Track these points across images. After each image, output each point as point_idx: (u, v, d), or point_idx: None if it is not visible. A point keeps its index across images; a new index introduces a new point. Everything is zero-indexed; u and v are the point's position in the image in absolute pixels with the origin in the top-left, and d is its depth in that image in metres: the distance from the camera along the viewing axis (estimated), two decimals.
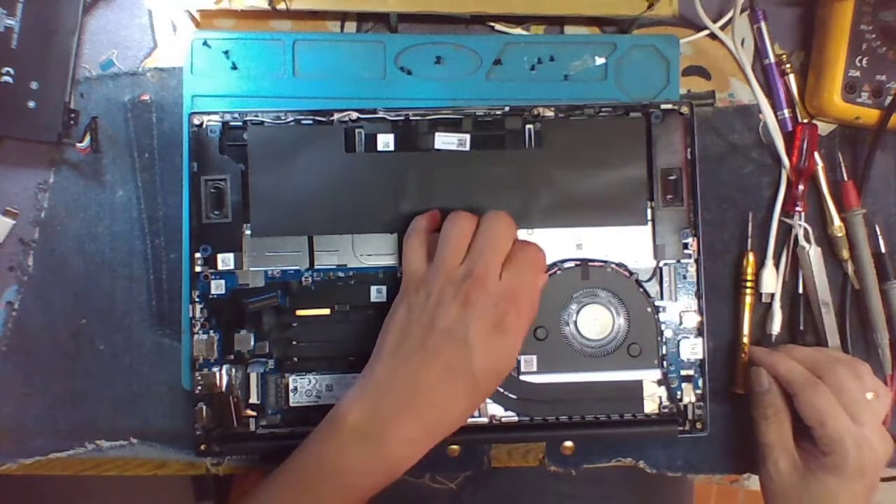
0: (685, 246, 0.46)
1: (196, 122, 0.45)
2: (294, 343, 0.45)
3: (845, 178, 0.49)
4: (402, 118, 0.46)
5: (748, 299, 0.49)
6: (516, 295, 0.39)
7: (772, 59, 0.50)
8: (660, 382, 0.46)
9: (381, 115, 0.45)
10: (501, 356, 0.39)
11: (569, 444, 0.48)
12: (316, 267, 0.45)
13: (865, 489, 0.42)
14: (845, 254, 0.49)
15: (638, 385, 0.46)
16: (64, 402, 0.47)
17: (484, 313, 0.38)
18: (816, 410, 0.42)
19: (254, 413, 0.45)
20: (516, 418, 0.45)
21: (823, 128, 0.50)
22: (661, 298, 0.46)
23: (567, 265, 0.46)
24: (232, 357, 0.45)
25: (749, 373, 0.47)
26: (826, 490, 0.42)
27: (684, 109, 0.46)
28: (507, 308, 0.38)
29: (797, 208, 0.48)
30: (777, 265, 0.49)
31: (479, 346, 0.38)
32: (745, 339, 0.49)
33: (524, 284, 0.39)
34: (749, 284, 0.49)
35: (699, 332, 0.46)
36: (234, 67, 0.47)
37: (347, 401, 0.39)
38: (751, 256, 0.49)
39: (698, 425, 0.46)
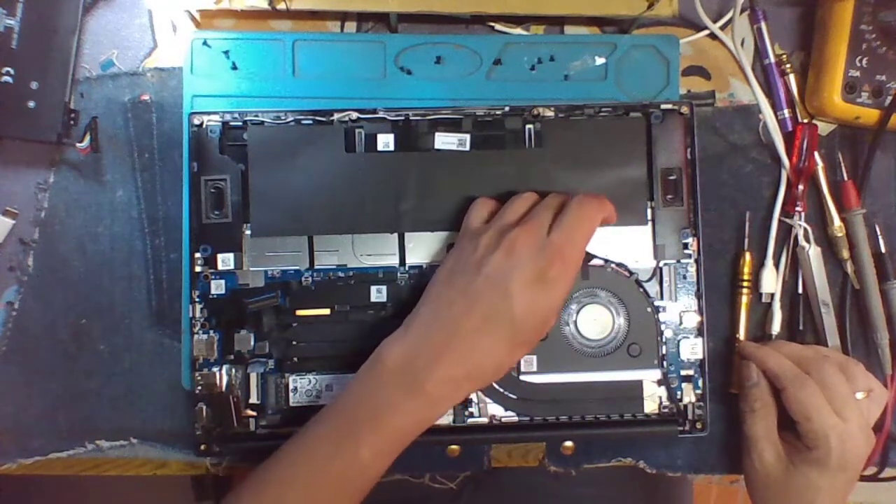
0: (685, 246, 0.46)
1: (196, 122, 0.45)
2: (294, 343, 0.45)
3: (845, 178, 0.49)
4: (402, 118, 0.46)
5: (744, 299, 0.49)
6: (563, 248, 0.39)
7: (772, 59, 0.50)
8: (660, 382, 0.46)
9: (381, 115, 0.45)
10: (541, 307, 0.39)
11: (569, 444, 0.48)
12: (316, 267, 0.45)
13: (846, 482, 0.43)
14: (845, 254, 0.49)
15: (638, 385, 0.46)
16: (64, 402, 0.47)
17: (528, 263, 0.38)
18: (803, 405, 0.42)
19: (254, 413, 0.45)
20: (516, 418, 0.45)
21: (823, 128, 0.50)
22: (661, 298, 0.46)
23: None
24: (232, 357, 0.45)
25: (739, 368, 0.47)
26: (808, 482, 0.43)
27: (684, 109, 0.46)
28: (550, 260, 0.38)
29: (797, 208, 0.48)
30: (777, 265, 0.49)
31: (519, 294, 0.38)
32: (741, 339, 0.49)
33: (572, 239, 0.39)
34: (745, 284, 0.49)
35: (699, 332, 0.46)
36: (234, 67, 0.47)
37: (389, 343, 0.39)
38: (748, 256, 0.49)
39: (698, 425, 0.46)
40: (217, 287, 0.45)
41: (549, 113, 0.46)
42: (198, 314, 0.45)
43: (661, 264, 0.46)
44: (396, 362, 0.38)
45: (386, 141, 0.46)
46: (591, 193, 0.41)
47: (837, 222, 0.49)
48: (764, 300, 0.49)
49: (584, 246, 0.40)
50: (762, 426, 0.45)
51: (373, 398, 0.38)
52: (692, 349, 0.46)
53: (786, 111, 0.49)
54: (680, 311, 0.46)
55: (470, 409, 0.45)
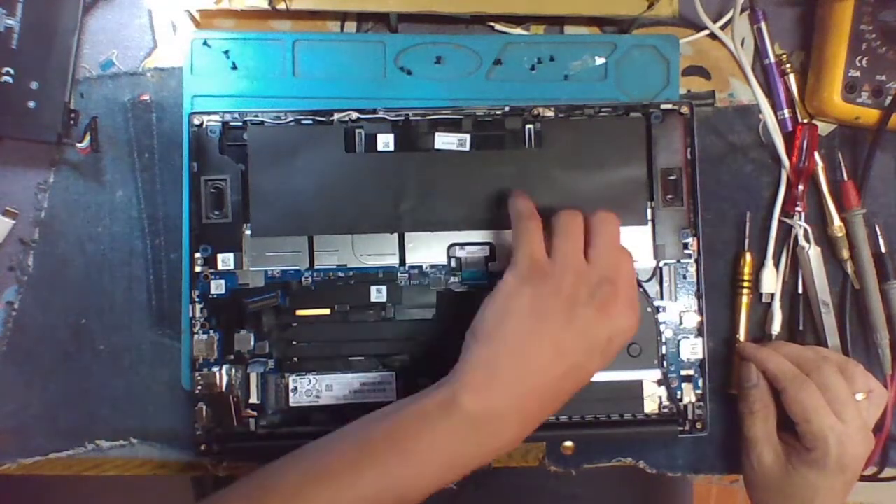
0: (685, 246, 0.46)
1: (196, 122, 0.45)
2: (294, 343, 0.45)
3: (845, 178, 0.49)
4: (402, 118, 0.46)
5: (744, 299, 0.49)
6: (636, 311, 0.40)
7: (772, 59, 0.50)
8: (660, 382, 0.46)
9: (381, 115, 0.45)
10: (606, 363, 0.39)
11: (569, 444, 0.48)
12: (316, 267, 0.45)
13: (845, 483, 0.43)
14: (845, 254, 0.49)
15: (638, 385, 0.46)
16: (64, 402, 0.47)
17: (622, 328, 0.39)
18: (802, 407, 0.42)
19: (254, 413, 0.45)
20: None
21: (823, 128, 0.50)
22: (661, 298, 0.46)
23: None
24: (232, 357, 0.45)
25: (739, 369, 0.47)
26: (807, 483, 0.43)
27: (684, 109, 0.46)
28: (627, 339, 0.40)
29: (797, 208, 0.48)
30: (777, 265, 0.49)
31: (608, 356, 0.39)
32: (741, 340, 0.49)
33: (636, 296, 0.40)
34: (746, 284, 0.49)
35: (699, 332, 0.46)
36: (234, 67, 0.47)
37: (461, 385, 0.37)
38: (748, 256, 0.49)
39: (698, 425, 0.46)
40: (217, 287, 0.45)
41: (549, 113, 0.46)
42: (198, 314, 0.45)
43: (661, 264, 0.46)
44: (473, 411, 0.36)
45: (386, 141, 0.46)
46: (610, 213, 0.41)
47: (837, 222, 0.49)
48: (764, 300, 0.49)
49: None
50: (761, 427, 0.45)
51: (444, 442, 0.36)
52: (692, 349, 0.46)
53: (786, 111, 0.49)
54: (680, 311, 0.46)
55: None
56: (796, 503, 0.43)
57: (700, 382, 0.46)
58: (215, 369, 0.45)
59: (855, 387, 0.43)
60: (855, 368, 0.44)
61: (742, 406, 0.46)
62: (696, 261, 0.46)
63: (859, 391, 0.43)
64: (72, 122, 0.46)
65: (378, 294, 0.46)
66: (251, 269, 0.45)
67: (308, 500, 0.35)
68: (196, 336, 0.45)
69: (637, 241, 0.46)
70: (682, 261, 0.46)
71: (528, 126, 0.46)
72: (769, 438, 0.45)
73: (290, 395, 0.45)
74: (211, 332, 0.45)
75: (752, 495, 0.46)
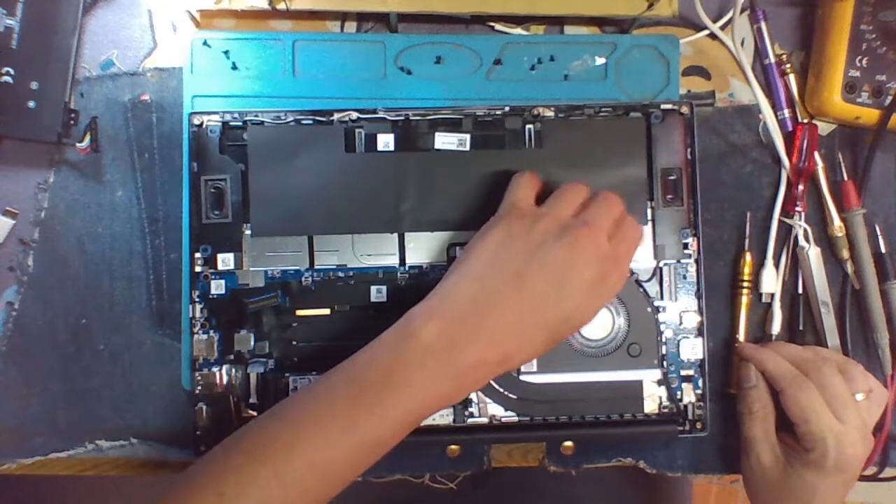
0: (685, 246, 0.46)
1: (196, 122, 0.45)
2: (294, 343, 0.45)
3: (845, 178, 0.49)
4: (402, 118, 0.46)
5: (744, 299, 0.49)
6: (619, 261, 0.39)
7: (772, 59, 0.50)
8: (660, 382, 0.46)
9: (381, 115, 0.45)
10: (587, 310, 0.39)
11: (569, 444, 0.48)
12: (316, 267, 0.45)
13: (843, 484, 0.43)
14: (845, 254, 0.49)
15: (638, 385, 0.46)
16: (64, 402, 0.47)
17: (588, 265, 0.37)
18: (801, 407, 0.42)
19: (254, 413, 0.45)
20: (516, 418, 0.45)
21: (823, 128, 0.50)
22: (661, 298, 0.46)
23: None
24: (232, 357, 0.45)
25: (738, 369, 0.47)
26: (805, 484, 0.43)
27: (684, 109, 0.46)
28: (609, 269, 0.38)
29: (797, 208, 0.48)
30: (777, 265, 0.49)
31: (574, 292, 0.37)
32: (741, 340, 0.49)
33: (625, 255, 0.40)
34: (746, 285, 0.49)
35: (699, 332, 0.46)
36: (234, 67, 0.47)
37: (422, 316, 0.37)
38: (748, 257, 0.49)
39: (698, 425, 0.46)
40: (217, 287, 0.45)
41: (549, 113, 0.46)
42: (198, 314, 0.45)
43: (661, 264, 0.46)
44: (431, 336, 0.36)
45: (386, 141, 0.46)
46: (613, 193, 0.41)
47: (837, 222, 0.49)
48: (764, 300, 0.49)
49: (629, 262, 0.41)
50: (760, 428, 0.45)
51: (400, 370, 0.36)
52: (692, 349, 0.46)
53: (786, 111, 0.49)
54: (680, 312, 0.46)
55: (470, 409, 0.45)
56: (795, 503, 0.43)
57: (700, 382, 0.46)
58: (215, 369, 0.45)
59: (854, 387, 0.43)
60: (854, 368, 0.44)
61: (741, 406, 0.46)
62: (696, 261, 0.46)
63: (859, 391, 0.43)
64: (72, 122, 0.46)
65: (378, 294, 0.46)
66: (251, 269, 0.45)
67: (265, 461, 0.35)
68: (196, 336, 0.45)
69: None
70: (682, 261, 0.46)
71: (528, 126, 0.46)
72: (768, 439, 0.45)
73: (290, 395, 0.45)
74: (211, 332, 0.45)
75: (750, 495, 0.46)
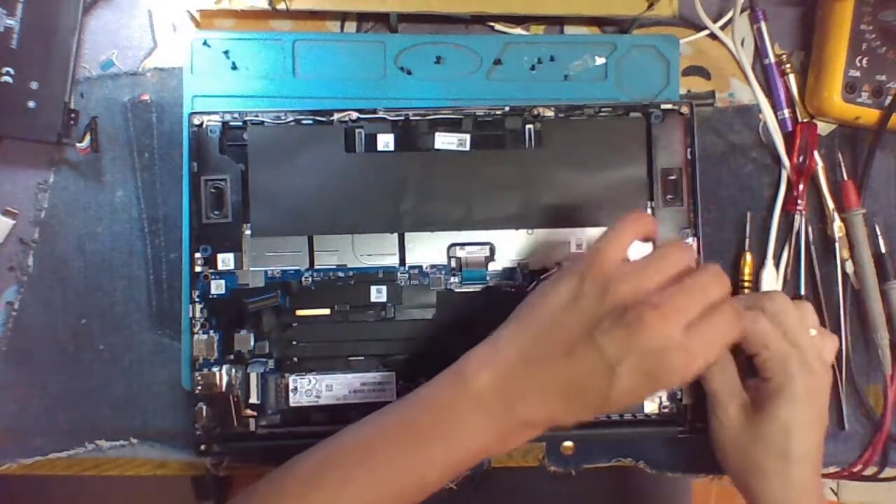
0: None
1: (196, 122, 0.45)
2: (294, 343, 0.45)
3: (845, 178, 0.49)
4: (402, 118, 0.46)
5: None
6: (694, 359, 0.34)
7: (772, 59, 0.50)
8: None
9: (381, 115, 0.45)
10: (636, 398, 0.36)
11: (569, 444, 0.48)
12: (316, 267, 0.45)
13: (816, 418, 0.41)
14: (845, 254, 0.49)
15: None
16: (64, 402, 0.47)
17: (648, 356, 0.34)
18: (758, 334, 0.40)
19: (254, 413, 0.45)
20: None
21: (823, 128, 0.50)
22: None
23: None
24: (232, 357, 0.45)
25: None
26: (778, 424, 0.40)
27: (684, 109, 0.46)
28: (675, 366, 0.34)
29: (798, 207, 0.48)
30: (777, 265, 0.49)
31: (623, 381, 0.34)
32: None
33: (700, 351, 0.34)
34: (746, 285, 0.49)
35: None
36: (234, 67, 0.47)
37: (477, 362, 0.37)
38: (748, 257, 0.49)
39: (698, 425, 0.46)
40: (217, 287, 0.45)
41: (549, 113, 0.46)
42: (198, 314, 0.45)
43: None
44: (485, 386, 0.36)
45: (386, 141, 0.46)
46: (737, 305, 0.36)
47: (837, 222, 0.49)
48: None
49: (710, 361, 0.35)
50: (721, 379, 0.42)
51: (449, 415, 0.36)
52: None
53: (786, 111, 0.49)
54: None
55: None
56: (771, 454, 0.41)
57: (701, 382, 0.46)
58: (215, 369, 0.45)
59: (807, 321, 0.41)
60: (806, 305, 0.42)
61: None
62: (696, 261, 0.46)
63: (812, 326, 0.41)
64: (72, 122, 0.46)
65: (378, 294, 0.46)
66: (251, 269, 0.45)
67: (319, 489, 0.36)
68: (196, 336, 0.45)
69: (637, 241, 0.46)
70: None
71: (528, 126, 0.46)
72: (732, 389, 0.42)
73: (290, 395, 0.45)
74: (211, 332, 0.45)
75: (722, 461, 0.43)
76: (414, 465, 0.36)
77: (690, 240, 0.46)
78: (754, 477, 0.42)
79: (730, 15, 0.49)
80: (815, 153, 0.48)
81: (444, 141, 0.46)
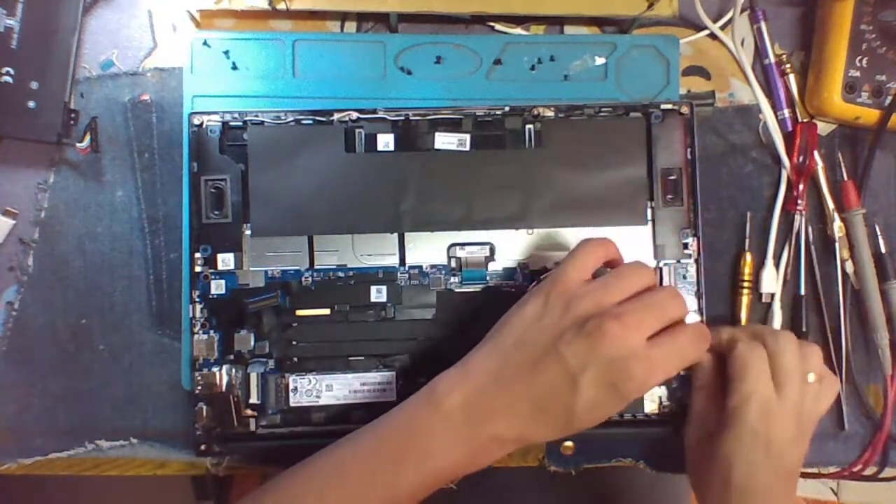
0: (685, 246, 0.46)
1: (196, 122, 0.45)
2: (294, 343, 0.45)
3: (845, 178, 0.49)
4: (402, 118, 0.46)
5: (745, 299, 0.49)
6: (656, 369, 0.35)
7: (772, 59, 0.50)
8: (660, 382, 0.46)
9: (381, 115, 0.45)
10: (603, 412, 0.36)
11: (569, 444, 0.48)
12: (316, 267, 0.45)
13: (771, 467, 0.39)
14: (845, 254, 0.49)
15: None
16: (64, 402, 0.47)
17: (610, 365, 0.35)
18: (743, 363, 0.40)
19: (254, 413, 0.45)
20: None
21: (823, 128, 0.50)
22: None
23: None
24: (232, 357, 0.45)
25: None
26: (720, 454, 0.40)
27: (684, 109, 0.46)
28: (636, 375, 0.35)
29: (798, 207, 0.48)
30: (777, 265, 0.49)
31: (586, 392, 0.35)
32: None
33: (662, 362, 0.36)
34: (746, 285, 0.49)
35: None
36: (234, 67, 0.47)
37: (447, 382, 0.38)
38: (748, 257, 0.49)
39: None
40: (217, 287, 0.45)
41: (549, 113, 0.46)
42: (198, 314, 0.45)
43: (661, 264, 0.46)
44: (454, 405, 0.37)
45: (386, 141, 0.46)
46: (701, 326, 0.39)
47: (837, 222, 0.49)
48: (764, 300, 0.49)
49: (672, 373, 0.37)
50: (700, 402, 0.42)
51: (423, 435, 0.37)
52: None
53: (786, 111, 0.49)
54: None
55: None
56: (715, 478, 0.40)
57: None
58: (215, 369, 0.45)
59: (808, 367, 0.40)
60: (813, 349, 0.41)
61: (692, 379, 0.44)
62: (697, 261, 0.46)
63: (812, 372, 0.40)
64: (72, 122, 0.46)
65: (378, 294, 0.46)
66: (251, 269, 0.45)
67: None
68: (196, 336, 0.45)
69: (637, 241, 0.46)
70: (682, 261, 0.46)
71: (528, 126, 0.46)
72: (705, 413, 0.42)
73: (290, 395, 0.45)
74: (211, 332, 0.45)
75: (688, 473, 0.44)
76: (386, 484, 0.37)
77: (690, 240, 0.46)
78: (699, 496, 0.42)
79: (730, 15, 0.49)
80: (815, 153, 0.48)
81: (444, 141, 0.46)
